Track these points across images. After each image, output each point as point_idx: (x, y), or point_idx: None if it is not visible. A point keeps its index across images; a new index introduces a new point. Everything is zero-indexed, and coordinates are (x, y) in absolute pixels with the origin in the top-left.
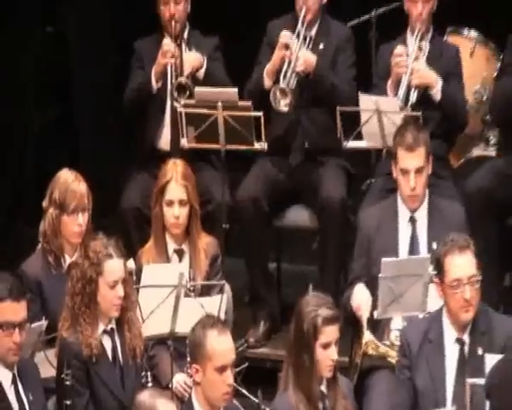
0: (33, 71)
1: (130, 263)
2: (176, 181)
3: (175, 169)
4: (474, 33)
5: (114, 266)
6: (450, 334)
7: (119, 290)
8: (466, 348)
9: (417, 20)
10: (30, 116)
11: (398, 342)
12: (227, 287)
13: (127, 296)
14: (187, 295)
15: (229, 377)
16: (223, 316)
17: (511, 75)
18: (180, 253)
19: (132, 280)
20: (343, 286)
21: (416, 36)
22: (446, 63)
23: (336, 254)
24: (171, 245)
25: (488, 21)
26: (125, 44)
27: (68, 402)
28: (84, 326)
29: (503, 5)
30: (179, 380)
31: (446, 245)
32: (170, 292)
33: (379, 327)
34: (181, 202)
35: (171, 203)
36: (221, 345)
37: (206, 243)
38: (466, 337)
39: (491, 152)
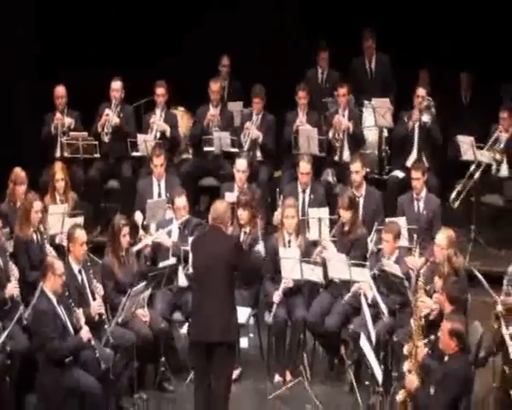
0: None
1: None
2: (58, 170)
3: (58, 165)
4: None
5: (38, 204)
6: None
7: (39, 215)
8: None
9: (160, 103)
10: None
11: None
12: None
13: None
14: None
15: (84, 246)
16: (82, 224)
17: (196, 128)
18: (61, 200)
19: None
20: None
21: (160, 109)
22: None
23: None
24: (58, 197)
25: None
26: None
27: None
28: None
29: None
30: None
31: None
32: (61, 213)
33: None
34: (62, 179)
35: (57, 181)
36: (80, 233)
37: (72, 196)
38: None
39: (188, 156)
